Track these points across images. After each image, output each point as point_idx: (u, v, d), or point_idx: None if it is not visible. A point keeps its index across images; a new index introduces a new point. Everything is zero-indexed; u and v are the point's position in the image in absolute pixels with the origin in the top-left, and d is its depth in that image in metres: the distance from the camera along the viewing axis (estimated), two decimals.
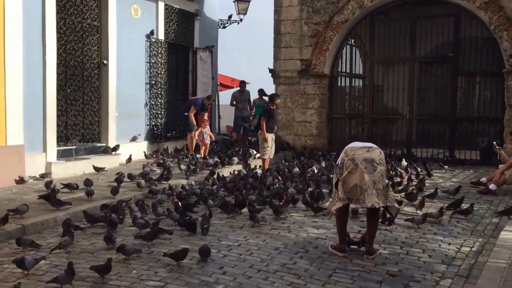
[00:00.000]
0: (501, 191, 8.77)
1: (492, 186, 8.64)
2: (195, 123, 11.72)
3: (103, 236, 5.33)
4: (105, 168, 9.61)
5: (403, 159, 11.43)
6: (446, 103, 13.40)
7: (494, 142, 9.74)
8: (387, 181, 5.25)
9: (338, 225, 5.44)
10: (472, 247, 5.65)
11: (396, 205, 5.45)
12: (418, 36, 13.15)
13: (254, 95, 15.14)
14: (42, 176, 8.66)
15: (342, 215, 5.34)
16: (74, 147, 9.98)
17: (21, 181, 8.23)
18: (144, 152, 11.52)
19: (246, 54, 39.45)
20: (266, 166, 10.83)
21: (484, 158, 12.02)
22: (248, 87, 15.41)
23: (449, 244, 5.73)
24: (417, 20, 13.09)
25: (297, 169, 10.31)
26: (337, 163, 5.33)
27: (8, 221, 5.66)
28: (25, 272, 4.46)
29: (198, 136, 11.66)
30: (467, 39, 12.70)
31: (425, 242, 5.81)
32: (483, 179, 9.09)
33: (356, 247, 5.44)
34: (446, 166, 11.42)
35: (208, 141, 11.76)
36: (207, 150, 11.85)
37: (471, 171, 11.16)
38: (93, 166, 9.46)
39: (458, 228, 6.44)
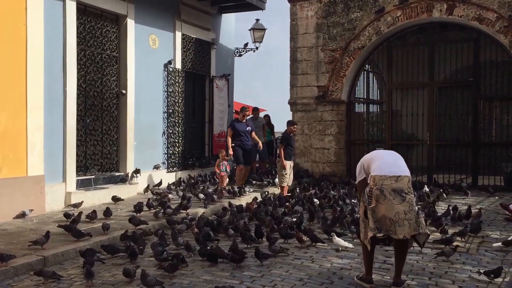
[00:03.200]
0: None
1: None
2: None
3: (122, 269, 5.24)
4: (122, 198, 9.55)
5: (425, 186, 11.24)
6: (467, 128, 13.19)
7: None
8: (416, 208, 5.08)
9: (365, 256, 5.27)
10: (505, 277, 5.42)
11: (428, 232, 5.26)
12: (437, 61, 13.06)
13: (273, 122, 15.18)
14: (74, 206, 8.68)
15: (372, 245, 5.18)
16: (93, 176, 9.99)
17: (21, 216, 7.93)
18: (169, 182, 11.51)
19: (261, 82, 39.71)
20: (285, 193, 10.71)
21: (510, 184, 11.73)
22: (263, 114, 15.39)
23: (479, 274, 5.51)
24: (435, 45, 13.02)
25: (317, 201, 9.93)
26: (365, 190, 5.17)
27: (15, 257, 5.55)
28: None
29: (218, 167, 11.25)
30: (487, 63, 12.57)
31: (454, 272, 5.61)
32: (511, 206, 8.82)
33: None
34: (469, 192, 11.11)
35: (225, 173, 11.32)
36: (225, 181, 11.39)
37: (496, 197, 10.88)
38: (112, 197, 9.44)
39: (487, 258, 6.21)
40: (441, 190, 10.70)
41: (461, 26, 12.50)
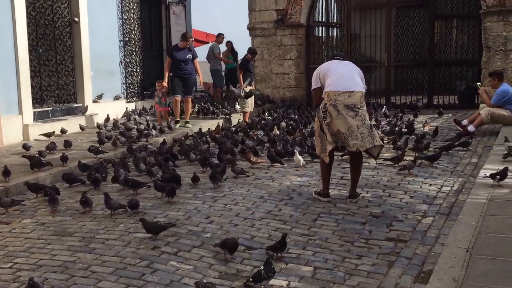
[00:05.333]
0: (479, 132, 8.94)
1: (470, 128, 8.78)
2: None
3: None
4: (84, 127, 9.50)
5: (384, 107, 11.54)
6: (424, 48, 13.37)
7: (479, 83, 9.84)
8: (369, 122, 5.27)
9: (322, 171, 5.48)
10: (453, 186, 5.79)
11: (382, 143, 5.49)
12: None
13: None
14: (47, 135, 8.64)
15: (329, 160, 5.38)
16: (50, 108, 9.78)
17: None
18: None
19: (221, 8, 38.61)
20: (247, 119, 10.81)
21: (463, 102, 12.14)
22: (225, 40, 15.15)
23: (430, 185, 5.86)
24: None
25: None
26: (319, 107, 5.27)
27: None
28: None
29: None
30: None
31: (406, 184, 5.93)
32: (464, 122, 9.19)
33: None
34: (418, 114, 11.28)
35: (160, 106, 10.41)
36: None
37: (450, 115, 11.29)
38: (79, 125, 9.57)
39: (439, 170, 6.57)
40: (398, 110, 11.02)
41: None
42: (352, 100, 5.12)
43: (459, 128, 8.99)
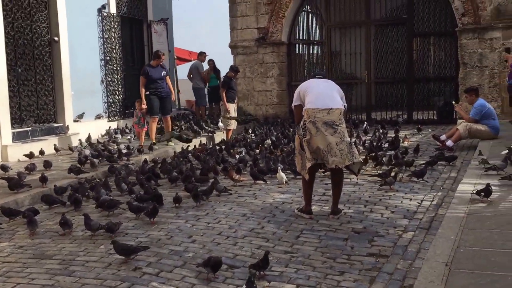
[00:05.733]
0: (458, 146, 9.08)
1: (449, 143, 8.92)
2: None
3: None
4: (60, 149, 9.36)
5: (365, 123, 11.67)
6: (403, 65, 13.62)
7: (453, 102, 10.02)
8: (349, 139, 5.33)
9: (304, 188, 5.50)
10: (432, 201, 5.86)
11: (361, 160, 5.56)
12: None
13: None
14: (29, 156, 8.49)
15: (310, 177, 5.41)
16: (30, 128, 9.67)
17: None
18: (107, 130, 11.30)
19: (203, 26, 38.81)
20: (230, 137, 10.84)
21: (441, 117, 12.34)
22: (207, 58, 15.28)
23: (411, 199, 5.92)
24: None
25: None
26: (299, 124, 5.33)
27: None
28: None
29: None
30: (420, 0, 12.85)
31: (387, 199, 5.98)
32: (443, 137, 9.34)
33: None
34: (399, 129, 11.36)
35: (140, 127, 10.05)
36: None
37: (429, 130, 11.46)
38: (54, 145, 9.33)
39: (419, 184, 6.64)
40: (379, 126, 11.14)
41: None
42: (331, 117, 5.19)
43: (438, 143, 9.12)
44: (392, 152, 8.29)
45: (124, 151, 8.64)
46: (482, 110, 8.99)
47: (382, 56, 14.54)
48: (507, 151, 7.14)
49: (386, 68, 14.55)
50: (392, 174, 6.63)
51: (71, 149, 9.18)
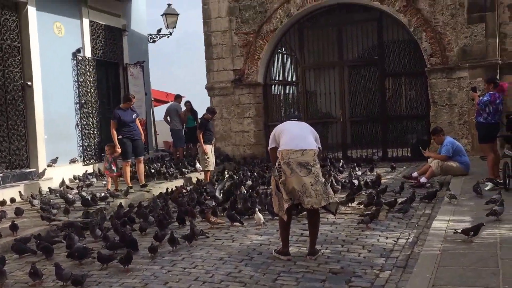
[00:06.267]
0: (431, 183, 9.21)
1: (423, 180, 9.05)
2: None
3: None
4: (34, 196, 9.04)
5: (341, 161, 11.78)
6: (376, 104, 13.93)
7: (420, 147, 10.22)
8: (323, 179, 5.38)
9: (281, 229, 5.49)
10: (408, 238, 5.89)
11: (337, 200, 5.60)
12: (345, 41, 13.60)
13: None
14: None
15: (288, 216, 5.41)
16: (1, 174, 9.48)
17: None
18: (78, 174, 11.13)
19: (182, 67, 39.20)
20: (208, 179, 10.79)
21: (415, 154, 12.56)
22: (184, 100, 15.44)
23: (387, 238, 5.94)
24: (342, 26, 13.55)
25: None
26: (275, 165, 5.39)
27: None
28: None
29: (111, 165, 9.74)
30: (391, 42, 13.28)
31: (364, 238, 5.99)
32: (415, 174, 9.51)
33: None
34: (375, 168, 11.40)
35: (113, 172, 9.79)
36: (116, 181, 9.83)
37: (404, 167, 11.63)
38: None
39: (394, 222, 6.68)
40: (355, 164, 11.26)
41: (365, 7, 13.08)
42: (305, 158, 5.26)
43: (412, 181, 9.24)
44: (372, 191, 8.30)
45: (98, 195, 8.50)
46: (453, 146, 9.21)
47: (356, 95, 14.86)
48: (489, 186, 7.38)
49: (360, 107, 14.86)
50: (382, 213, 6.64)
51: (33, 197, 8.54)
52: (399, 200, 7.55)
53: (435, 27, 11.98)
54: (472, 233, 5.13)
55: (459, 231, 5.20)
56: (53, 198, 8.81)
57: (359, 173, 10.36)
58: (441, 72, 12.02)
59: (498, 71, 11.67)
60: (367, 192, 8.18)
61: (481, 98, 8.38)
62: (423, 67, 12.35)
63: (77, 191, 9.21)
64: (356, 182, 9.04)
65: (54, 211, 7.44)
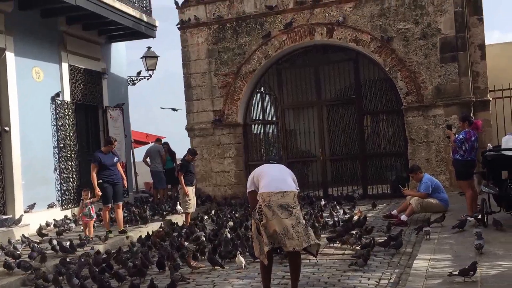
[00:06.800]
0: (412, 220, 9.26)
1: (403, 217, 9.10)
2: None
3: None
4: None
5: (322, 200, 11.79)
6: (355, 142, 14.10)
7: (400, 186, 10.32)
8: (304, 221, 5.40)
9: (262, 273, 5.46)
10: (390, 279, 5.87)
11: (318, 242, 5.60)
12: (323, 81, 13.85)
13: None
14: None
15: (269, 260, 5.37)
16: None
17: None
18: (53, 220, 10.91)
19: (160, 108, 39.29)
20: (189, 221, 10.69)
21: (395, 191, 12.64)
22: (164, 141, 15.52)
23: (369, 279, 5.92)
24: (320, 66, 13.82)
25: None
26: (255, 209, 5.39)
27: None
28: None
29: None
30: (367, 81, 13.56)
31: (346, 279, 5.96)
32: (394, 212, 9.57)
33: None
34: (356, 206, 11.26)
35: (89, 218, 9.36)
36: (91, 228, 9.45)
37: (384, 204, 11.68)
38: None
39: (376, 262, 6.67)
40: (335, 203, 11.26)
41: (341, 47, 13.41)
42: (285, 200, 5.28)
43: (392, 220, 9.26)
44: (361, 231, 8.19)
45: (77, 241, 8.32)
46: (431, 183, 9.33)
47: (335, 134, 15.04)
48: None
49: (340, 145, 15.02)
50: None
51: (1, 247, 8.09)
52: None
53: (410, 66, 12.30)
54: (472, 272, 5.04)
55: (456, 272, 5.10)
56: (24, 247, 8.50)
57: (341, 212, 10.33)
58: (417, 110, 12.27)
59: (472, 108, 11.97)
60: (355, 232, 8.05)
61: (456, 136, 8.57)
62: (399, 105, 12.61)
63: (50, 238, 8.97)
64: (337, 220, 9.05)
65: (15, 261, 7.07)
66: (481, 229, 6.86)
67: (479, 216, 7.75)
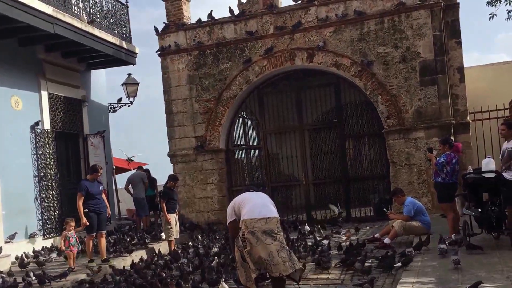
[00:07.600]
0: (395, 243, 9.26)
1: (386, 240, 9.11)
2: None
3: None
4: None
5: (306, 224, 11.76)
6: (337, 165, 14.16)
7: (385, 209, 10.37)
8: (287, 247, 5.40)
9: None
10: None
11: (302, 267, 5.58)
12: (304, 105, 13.96)
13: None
14: None
15: (256, 286, 5.34)
16: None
17: None
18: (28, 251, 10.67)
19: (146, 133, 39.21)
20: (172, 248, 10.58)
21: (378, 214, 12.69)
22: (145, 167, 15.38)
23: None
24: (301, 91, 13.94)
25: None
26: (238, 236, 5.36)
27: None
28: None
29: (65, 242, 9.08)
30: (348, 104, 13.69)
31: None
32: (377, 235, 9.58)
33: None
34: (342, 230, 11.30)
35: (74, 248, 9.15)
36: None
37: (368, 227, 11.69)
38: None
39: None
40: (319, 226, 11.24)
41: (322, 72, 13.56)
42: (269, 226, 5.28)
43: (375, 243, 9.28)
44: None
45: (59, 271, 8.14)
46: (414, 206, 9.36)
47: (317, 158, 15.12)
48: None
49: (322, 169, 15.08)
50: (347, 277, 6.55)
51: None
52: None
53: (390, 90, 12.45)
54: None
55: None
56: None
57: (325, 242, 10.05)
58: (398, 133, 12.38)
59: (452, 130, 12.13)
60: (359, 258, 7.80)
61: (438, 159, 8.65)
62: (381, 128, 12.72)
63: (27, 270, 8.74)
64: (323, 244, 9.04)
65: None
66: (463, 251, 6.89)
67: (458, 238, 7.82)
